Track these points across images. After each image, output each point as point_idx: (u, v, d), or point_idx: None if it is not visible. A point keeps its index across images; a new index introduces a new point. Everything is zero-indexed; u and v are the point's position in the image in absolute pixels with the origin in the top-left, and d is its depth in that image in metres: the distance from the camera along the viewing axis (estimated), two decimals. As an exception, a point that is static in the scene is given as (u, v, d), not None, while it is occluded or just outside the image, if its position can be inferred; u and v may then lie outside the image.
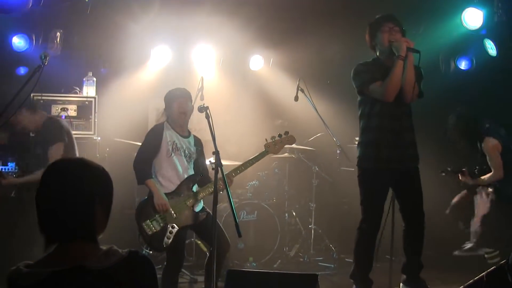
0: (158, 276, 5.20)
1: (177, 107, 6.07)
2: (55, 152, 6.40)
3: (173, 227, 5.82)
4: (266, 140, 6.12)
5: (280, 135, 6.15)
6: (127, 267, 2.32)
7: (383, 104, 5.83)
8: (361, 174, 6.11)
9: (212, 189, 5.67)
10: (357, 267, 6.17)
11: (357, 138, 9.31)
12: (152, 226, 5.78)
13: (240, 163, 6.24)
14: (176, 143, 6.02)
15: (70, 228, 2.35)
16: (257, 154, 6.08)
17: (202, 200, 6.06)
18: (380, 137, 5.91)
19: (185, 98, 6.14)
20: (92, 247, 2.37)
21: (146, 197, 5.96)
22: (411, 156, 6.07)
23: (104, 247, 2.38)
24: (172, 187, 5.95)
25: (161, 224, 5.79)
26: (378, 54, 6.06)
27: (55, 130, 6.58)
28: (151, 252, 7.18)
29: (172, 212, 5.82)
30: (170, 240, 5.80)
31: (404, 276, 6.24)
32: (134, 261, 2.36)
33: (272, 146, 6.09)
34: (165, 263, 6.12)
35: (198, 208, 6.03)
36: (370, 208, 6.05)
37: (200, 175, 6.16)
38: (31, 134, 6.72)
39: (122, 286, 2.29)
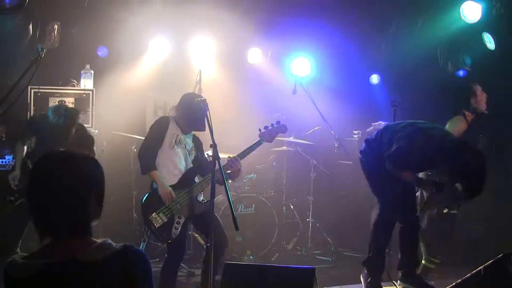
0: (157, 269, 5.18)
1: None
2: None
3: (179, 218, 5.86)
4: (259, 130, 6.20)
5: (272, 124, 6.28)
6: (120, 261, 2.30)
7: None
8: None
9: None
10: (375, 256, 6.23)
11: (355, 132, 9.38)
12: (159, 218, 5.80)
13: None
14: (180, 137, 6.04)
15: (63, 225, 2.32)
16: (252, 144, 6.17)
17: (202, 191, 6.08)
18: None
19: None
20: (86, 240, 2.35)
21: (150, 191, 5.96)
22: None
23: (98, 240, 2.36)
24: (174, 180, 5.98)
25: (168, 216, 5.82)
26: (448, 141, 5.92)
27: (90, 142, 6.71)
28: (159, 244, 7.19)
29: (177, 203, 5.84)
30: (179, 230, 5.83)
31: (400, 273, 6.27)
32: (128, 255, 2.33)
33: (267, 135, 6.22)
34: (166, 255, 6.12)
35: (202, 198, 6.07)
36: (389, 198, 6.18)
37: (200, 168, 6.18)
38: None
39: (115, 279, 2.27)
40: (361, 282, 6.37)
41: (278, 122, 6.31)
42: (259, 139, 6.20)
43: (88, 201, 2.36)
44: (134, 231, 8.43)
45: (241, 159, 6.10)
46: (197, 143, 6.34)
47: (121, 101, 8.95)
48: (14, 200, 6.37)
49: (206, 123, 5.25)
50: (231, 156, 6.00)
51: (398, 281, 6.29)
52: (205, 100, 5.43)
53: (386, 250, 6.87)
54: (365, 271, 6.30)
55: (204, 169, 6.20)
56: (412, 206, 6.25)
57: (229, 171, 5.88)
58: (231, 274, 4.92)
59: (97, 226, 2.46)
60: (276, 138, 8.09)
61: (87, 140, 6.69)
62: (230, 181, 5.88)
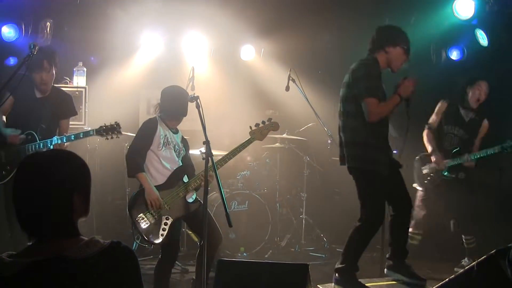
0: (151, 266, 5.17)
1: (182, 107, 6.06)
2: (67, 126, 6.35)
3: (167, 219, 5.78)
4: (250, 127, 6.15)
5: (263, 122, 6.20)
6: (108, 257, 2.30)
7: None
8: (363, 174, 6.09)
9: (202, 179, 5.72)
10: (350, 264, 6.12)
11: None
12: (146, 219, 5.71)
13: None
14: (168, 137, 6.00)
15: (48, 225, 2.31)
16: (243, 141, 6.09)
17: (194, 190, 6.03)
18: (377, 139, 5.96)
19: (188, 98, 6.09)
20: (73, 238, 2.34)
21: (137, 190, 5.89)
22: (395, 160, 6.22)
23: (85, 238, 2.36)
24: (163, 179, 5.92)
25: (155, 217, 5.73)
26: (378, 58, 6.05)
27: (71, 104, 6.45)
28: (146, 246, 7.16)
29: (165, 204, 5.79)
30: (166, 232, 5.77)
31: (390, 262, 6.27)
32: (115, 252, 2.34)
33: (258, 133, 6.15)
34: (159, 256, 6.08)
35: (191, 198, 6.01)
36: (377, 204, 6.09)
37: (189, 167, 6.15)
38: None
39: (103, 276, 2.27)
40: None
41: (269, 120, 6.25)
42: (249, 137, 6.15)
43: (71, 200, 2.35)
44: (127, 229, 8.41)
45: (232, 157, 6.06)
46: (185, 145, 6.31)
47: (114, 98, 8.93)
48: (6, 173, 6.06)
49: (199, 120, 5.23)
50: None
51: (386, 270, 6.29)
52: (198, 97, 5.41)
53: (379, 247, 6.88)
54: (337, 276, 6.16)
55: (191, 170, 6.19)
56: (403, 196, 6.20)
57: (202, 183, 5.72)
58: (224, 271, 4.91)
59: (90, 223, 2.45)
60: (269, 135, 8.11)
61: (64, 97, 6.45)
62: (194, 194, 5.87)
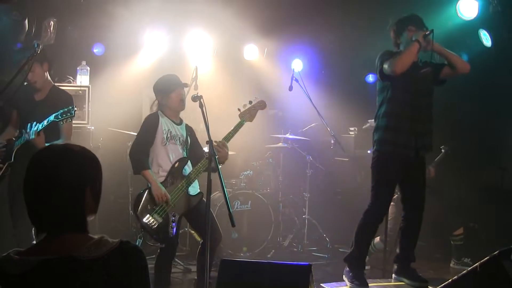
0: (150, 265, 5.16)
1: (177, 95, 6.04)
2: (70, 129, 6.18)
3: (174, 216, 5.76)
4: (239, 110, 6.12)
5: (250, 102, 6.16)
6: (117, 257, 2.28)
7: (405, 92, 5.86)
8: (377, 157, 6.08)
9: (203, 168, 5.78)
10: (357, 251, 6.15)
11: (351, 128, 9.38)
12: (154, 220, 5.68)
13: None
14: (171, 131, 5.97)
15: (60, 221, 2.31)
16: (235, 125, 6.03)
17: (197, 182, 6.01)
18: (400, 123, 5.91)
19: (181, 86, 6.12)
20: (83, 236, 2.33)
21: (139, 193, 5.86)
22: (425, 145, 6.08)
23: (95, 237, 2.34)
24: (166, 175, 5.91)
25: (163, 216, 5.71)
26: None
27: (70, 104, 5.98)
28: (156, 245, 7.18)
29: (170, 201, 5.77)
30: (175, 228, 5.76)
31: (396, 266, 6.26)
32: (125, 251, 2.31)
33: (247, 115, 6.12)
34: (158, 251, 6.08)
35: (193, 191, 5.99)
36: (382, 191, 6.05)
37: (195, 155, 6.10)
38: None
39: (112, 276, 2.25)
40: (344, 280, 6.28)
41: (255, 99, 6.21)
42: (240, 120, 6.08)
43: (84, 195, 2.34)
44: (130, 227, 8.42)
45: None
46: (191, 133, 6.26)
47: (117, 97, 8.93)
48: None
49: (203, 119, 5.23)
50: (217, 141, 5.84)
51: (393, 275, 6.28)
52: (201, 96, 5.41)
53: (382, 246, 6.88)
54: (347, 268, 6.21)
55: (196, 157, 6.12)
56: (421, 197, 6.16)
57: (216, 156, 5.69)
58: (227, 271, 4.91)
59: (92, 222, 2.44)
60: (272, 135, 8.11)
61: (64, 98, 6.15)
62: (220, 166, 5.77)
